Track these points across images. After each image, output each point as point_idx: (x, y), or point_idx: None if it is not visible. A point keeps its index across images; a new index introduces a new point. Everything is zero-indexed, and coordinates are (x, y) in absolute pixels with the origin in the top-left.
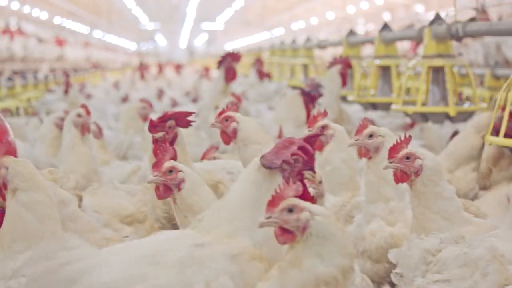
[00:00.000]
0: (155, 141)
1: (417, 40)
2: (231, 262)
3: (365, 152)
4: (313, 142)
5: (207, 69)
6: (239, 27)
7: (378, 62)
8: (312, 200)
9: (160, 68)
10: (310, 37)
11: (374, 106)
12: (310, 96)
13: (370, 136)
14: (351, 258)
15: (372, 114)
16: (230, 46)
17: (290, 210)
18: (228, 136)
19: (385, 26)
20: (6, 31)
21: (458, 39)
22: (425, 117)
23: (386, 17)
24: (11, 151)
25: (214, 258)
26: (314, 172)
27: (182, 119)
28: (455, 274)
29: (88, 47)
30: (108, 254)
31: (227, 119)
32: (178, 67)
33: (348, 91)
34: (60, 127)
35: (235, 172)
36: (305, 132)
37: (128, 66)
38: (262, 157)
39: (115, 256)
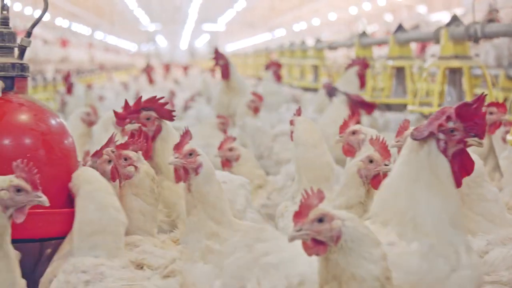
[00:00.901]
0: (131, 135)
1: (433, 41)
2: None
3: None
4: (471, 110)
5: (213, 70)
6: (240, 28)
7: (391, 63)
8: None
9: (167, 68)
10: (320, 38)
11: (388, 107)
12: (357, 102)
13: None
14: (381, 245)
15: (388, 116)
16: (231, 47)
17: (320, 220)
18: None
19: (400, 27)
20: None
21: (476, 40)
22: None
23: (388, 18)
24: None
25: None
26: (481, 138)
27: (162, 110)
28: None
29: (91, 49)
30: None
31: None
32: (185, 68)
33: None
34: (87, 122)
35: (228, 182)
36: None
37: (132, 67)
38: (413, 130)
39: None
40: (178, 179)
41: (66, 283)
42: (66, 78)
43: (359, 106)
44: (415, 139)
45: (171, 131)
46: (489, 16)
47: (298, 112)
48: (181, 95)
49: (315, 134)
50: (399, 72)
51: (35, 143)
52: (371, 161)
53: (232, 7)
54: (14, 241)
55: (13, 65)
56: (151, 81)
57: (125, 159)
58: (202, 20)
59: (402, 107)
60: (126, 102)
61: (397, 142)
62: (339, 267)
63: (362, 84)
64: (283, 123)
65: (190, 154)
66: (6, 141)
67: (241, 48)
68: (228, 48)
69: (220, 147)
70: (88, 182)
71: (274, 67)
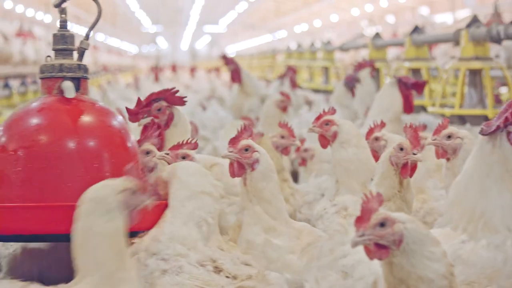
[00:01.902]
0: (144, 128)
1: (453, 42)
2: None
3: (442, 153)
4: None
5: (218, 70)
6: (241, 29)
7: (408, 64)
8: None
9: (174, 69)
10: (330, 40)
11: None
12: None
13: (449, 137)
14: (440, 243)
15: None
16: (232, 49)
17: (382, 224)
18: (327, 140)
19: (416, 29)
20: (20, 34)
21: (498, 41)
22: (463, 119)
23: (391, 19)
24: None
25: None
26: None
27: (173, 97)
28: None
29: (95, 51)
30: None
31: (327, 123)
32: (192, 70)
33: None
34: None
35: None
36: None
37: (134, 68)
38: (483, 125)
39: None
40: (232, 174)
41: (144, 265)
42: None
43: (411, 87)
44: (484, 134)
45: (182, 116)
46: (495, 17)
47: (333, 112)
48: (194, 97)
49: (360, 136)
50: (415, 73)
51: (115, 140)
52: (401, 149)
53: (233, 8)
54: None
55: (79, 66)
56: (156, 79)
57: (183, 158)
58: (203, 22)
59: (420, 109)
60: (138, 98)
61: (433, 140)
62: (404, 270)
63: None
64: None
65: (246, 149)
66: (88, 139)
67: (242, 50)
68: (228, 50)
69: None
70: (184, 164)
71: (290, 73)
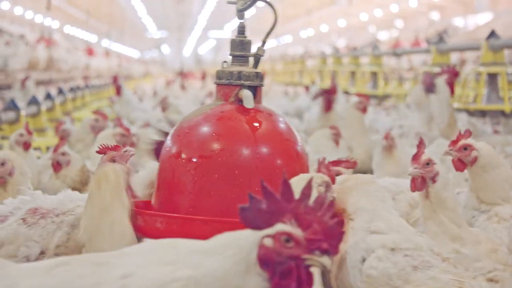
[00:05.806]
0: None
1: None
2: None
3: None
4: None
5: None
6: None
7: (484, 69)
8: None
9: (204, 77)
10: (376, 44)
11: (482, 113)
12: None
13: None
14: None
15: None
16: None
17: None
18: (464, 164)
19: (492, 33)
20: (42, 40)
21: None
22: None
23: (399, 24)
24: None
25: None
26: None
27: None
28: None
29: (108, 56)
30: None
31: (466, 147)
32: (203, 77)
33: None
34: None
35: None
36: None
37: (147, 74)
38: None
39: None
40: (414, 188)
41: (393, 263)
42: (114, 80)
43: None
44: None
45: None
46: None
47: (469, 134)
48: None
49: (496, 153)
50: (492, 78)
51: (292, 153)
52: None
53: None
54: None
55: (256, 74)
56: (183, 87)
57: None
58: (208, 27)
59: (497, 114)
60: None
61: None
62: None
63: (452, 92)
64: None
65: (427, 164)
66: (266, 149)
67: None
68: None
69: None
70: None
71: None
